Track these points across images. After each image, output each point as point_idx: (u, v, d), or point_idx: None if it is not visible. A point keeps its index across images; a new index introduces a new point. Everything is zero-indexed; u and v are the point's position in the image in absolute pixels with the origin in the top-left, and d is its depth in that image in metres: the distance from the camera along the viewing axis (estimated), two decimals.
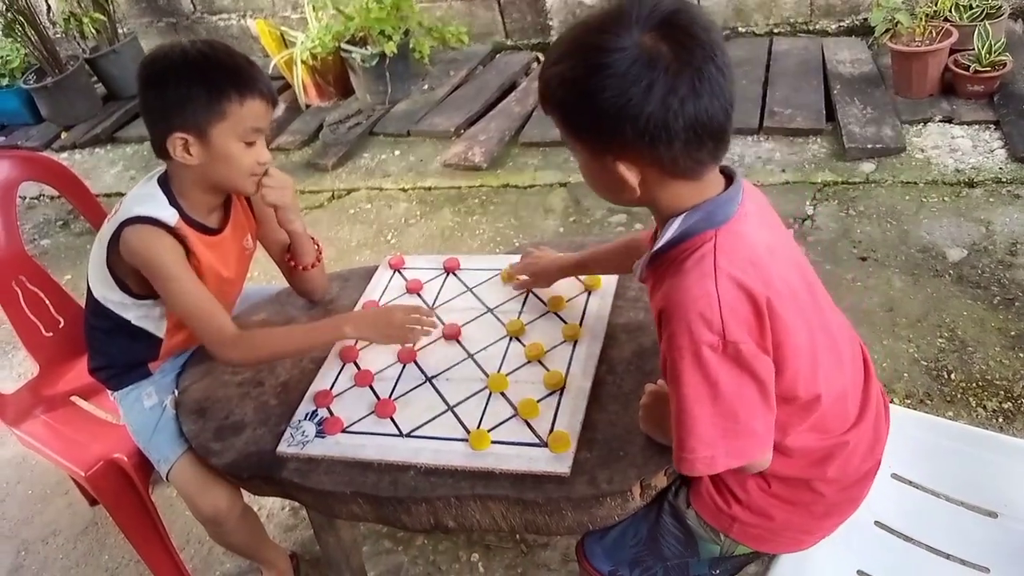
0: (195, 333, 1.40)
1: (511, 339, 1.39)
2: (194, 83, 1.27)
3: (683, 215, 0.94)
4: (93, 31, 4.21)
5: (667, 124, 0.85)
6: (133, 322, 1.46)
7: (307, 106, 3.91)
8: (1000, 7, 2.98)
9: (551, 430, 1.19)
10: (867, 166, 2.73)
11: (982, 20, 2.91)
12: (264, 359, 1.44)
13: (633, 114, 0.85)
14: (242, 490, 1.45)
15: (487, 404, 1.27)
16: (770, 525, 1.08)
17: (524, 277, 1.48)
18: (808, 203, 2.62)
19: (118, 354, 1.53)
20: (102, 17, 4.20)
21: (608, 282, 1.45)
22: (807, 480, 1.06)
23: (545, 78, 0.92)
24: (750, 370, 0.91)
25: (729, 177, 0.97)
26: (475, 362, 1.36)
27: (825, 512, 1.10)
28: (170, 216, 1.36)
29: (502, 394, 1.28)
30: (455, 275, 1.59)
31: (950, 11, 2.99)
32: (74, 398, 1.81)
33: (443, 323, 1.46)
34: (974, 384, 1.92)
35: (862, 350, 1.15)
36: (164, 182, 1.39)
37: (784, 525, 1.09)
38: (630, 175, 0.91)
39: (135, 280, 1.40)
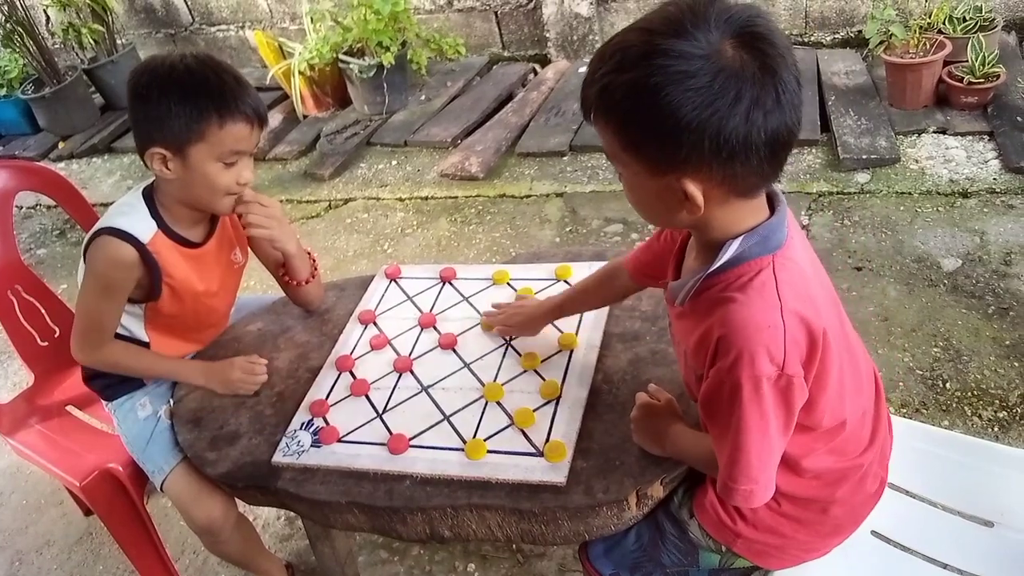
0: (74, 328, 1.44)
1: (507, 348, 1.39)
2: (175, 100, 1.25)
3: (740, 239, 0.89)
4: (91, 42, 4.23)
5: (749, 139, 0.79)
6: (117, 331, 1.46)
7: (304, 116, 3.92)
8: (994, 19, 3.01)
9: (547, 440, 1.19)
10: (862, 176, 2.75)
11: (976, 32, 2.93)
12: (107, 364, 1.48)
13: (715, 128, 0.78)
14: (237, 500, 1.44)
15: (483, 414, 1.27)
16: (775, 542, 1.08)
17: (504, 327, 1.41)
18: (803, 213, 2.63)
19: None
20: (100, 28, 4.22)
21: None
22: (818, 500, 1.06)
23: (604, 87, 0.82)
24: (791, 405, 0.89)
25: (770, 196, 0.93)
26: (471, 371, 1.36)
27: (831, 531, 1.10)
28: (147, 229, 1.36)
29: (498, 404, 1.28)
30: (451, 285, 1.59)
31: (944, 23, 3.01)
32: (69, 408, 1.81)
33: (439, 332, 1.46)
34: (969, 393, 1.92)
35: (874, 370, 1.13)
36: (149, 194, 1.40)
37: (789, 543, 1.08)
38: (697, 193, 0.84)
39: None
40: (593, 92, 0.84)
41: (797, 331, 0.87)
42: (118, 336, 1.46)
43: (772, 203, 0.93)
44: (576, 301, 1.37)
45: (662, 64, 0.78)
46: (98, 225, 1.37)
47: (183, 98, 1.25)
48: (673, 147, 0.81)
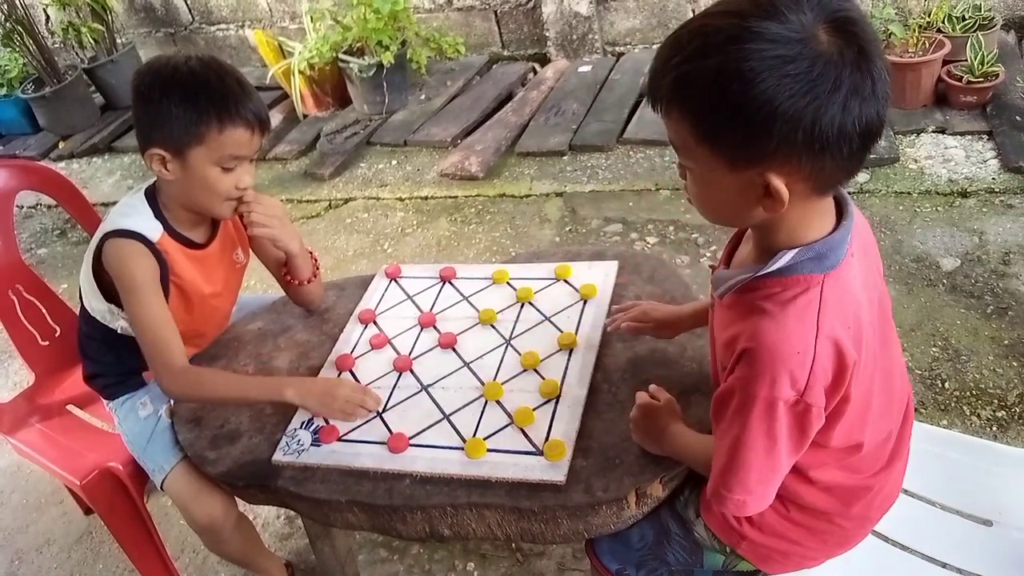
0: (145, 355, 1.36)
1: (507, 348, 1.39)
2: (176, 102, 1.25)
3: (796, 250, 0.84)
4: (91, 41, 4.23)
5: (844, 129, 0.75)
6: (119, 332, 1.46)
7: (304, 116, 3.92)
8: (993, 18, 3.01)
9: (547, 438, 1.19)
10: (861, 176, 2.75)
11: (975, 31, 2.93)
12: (203, 400, 1.40)
13: (812, 118, 0.73)
14: (237, 499, 1.45)
15: (483, 413, 1.27)
16: (780, 547, 1.07)
17: (634, 324, 1.30)
18: None
19: (112, 363, 1.53)
20: (100, 27, 4.22)
21: (603, 291, 1.46)
22: (829, 513, 1.04)
23: (683, 75, 0.77)
24: (806, 430, 0.88)
25: (839, 204, 0.89)
26: (471, 371, 1.36)
27: (838, 542, 1.09)
28: (153, 229, 1.36)
29: (498, 403, 1.28)
30: (451, 284, 1.59)
31: (943, 22, 3.01)
32: (70, 407, 1.81)
33: (439, 332, 1.47)
34: (968, 393, 1.92)
35: (908, 393, 1.09)
36: (151, 194, 1.39)
37: (794, 549, 1.08)
38: (782, 188, 0.78)
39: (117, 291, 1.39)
40: (667, 81, 0.78)
41: (827, 360, 0.84)
42: (122, 339, 1.46)
43: (840, 211, 0.89)
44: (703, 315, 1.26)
45: (756, 48, 0.72)
46: (103, 230, 1.36)
47: (184, 100, 1.25)
48: (762, 139, 0.75)
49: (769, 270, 0.85)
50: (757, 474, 0.90)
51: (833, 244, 0.86)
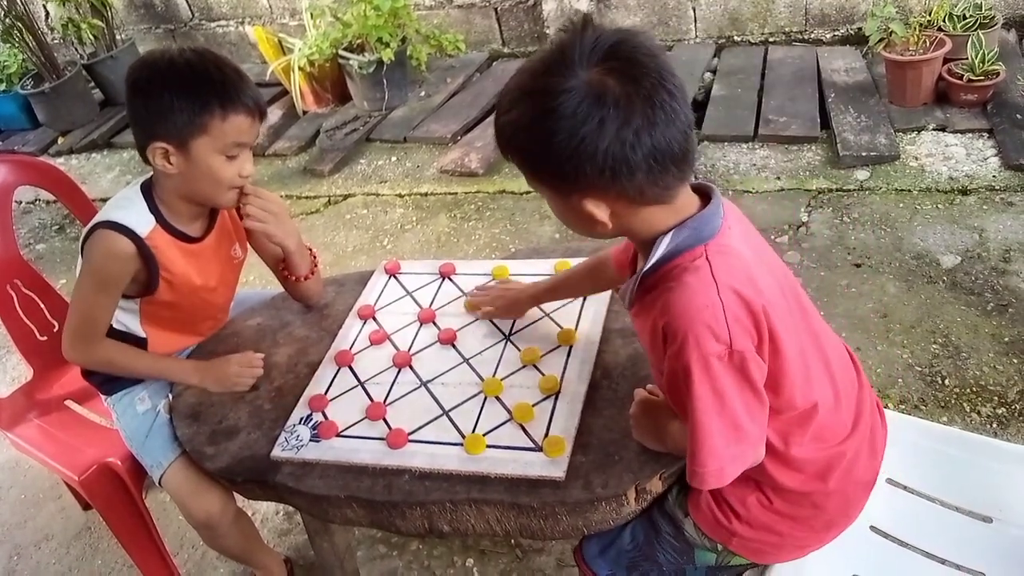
0: (66, 324, 1.43)
1: (506, 344, 1.39)
2: (177, 94, 1.25)
3: (670, 234, 0.93)
4: (91, 37, 4.22)
5: (626, 158, 0.84)
6: (114, 326, 1.45)
7: (304, 112, 3.92)
8: (993, 17, 3.01)
9: (546, 434, 1.19)
10: (861, 173, 2.75)
11: (975, 30, 2.93)
12: (99, 362, 1.47)
13: (590, 153, 0.84)
14: (236, 494, 1.44)
15: (482, 408, 1.27)
16: (770, 539, 1.08)
17: (489, 308, 1.44)
18: (803, 210, 2.63)
19: None
20: (100, 23, 4.21)
21: None
22: (808, 494, 1.06)
23: (499, 126, 0.91)
24: (750, 378, 0.91)
25: (705, 194, 0.97)
26: (470, 366, 1.36)
27: (825, 525, 1.10)
28: (145, 223, 1.36)
29: (497, 398, 1.28)
30: (451, 280, 1.59)
31: (944, 21, 3.01)
32: (68, 402, 1.81)
33: (439, 328, 1.46)
34: (968, 390, 1.92)
35: (852, 358, 1.14)
36: (148, 188, 1.39)
37: (785, 540, 1.09)
38: (599, 211, 0.90)
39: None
40: (496, 132, 0.92)
41: (736, 307, 0.89)
42: (114, 332, 1.46)
43: (707, 195, 0.96)
44: (562, 288, 1.40)
45: (532, 102, 0.86)
46: (96, 219, 1.36)
47: (185, 91, 1.25)
48: (562, 173, 0.87)
49: (653, 261, 0.93)
50: (721, 438, 0.92)
51: (705, 218, 0.93)
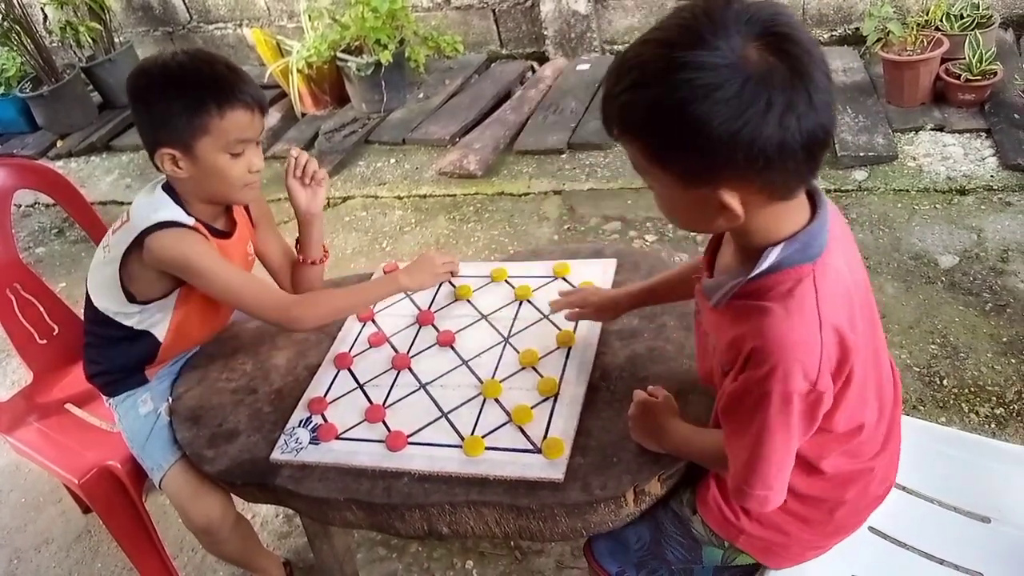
0: (253, 312, 1.40)
1: (505, 346, 1.39)
2: (173, 98, 1.26)
3: (780, 246, 0.86)
4: (89, 40, 4.23)
5: (785, 145, 0.76)
6: (135, 327, 1.45)
7: (303, 115, 3.92)
8: (991, 16, 3.01)
9: (545, 436, 1.19)
10: (859, 174, 2.75)
11: (973, 29, 2.93)
12: (326, 316, 1.43)
13: (749, 139, 0.75)
14: (235, 497, 1.44)
15: (481, 410, 1.27)
16: (779, 539, 1.08)
17: (579, 310, 1.35)
18: None
19: (116, 359, 1.52)
20: (98, 26, 4.21)
21: (603, 288, 1.45)
22: (825, 500, 1.05)
23: (625, 104, 0.80)
24: (815, 416, 0.89)
25: (810, 194, 0.90)
26: (469, 369, 1.36)
27: (834, 531, 1.10)
28: (187, 219, 1.36)
29: (496, 400, 1.28)
30: (450, 282, 1.59)
31: (941, 20, 3.01)
32: (68, 406, 1.81)
33: (438, 330, 1.47)
34: (966, 390, 1.92)
35: (893, 371, 1.11)
36: (170, 190, 1.39)
37: (793, 541, 1.08)
38: (735, 203, 0.81)
39: (144, 286, 1.39)
40: (614, 110, 0.81)
41: (832, 349, 0.86)
42: (132, 332, 1.45)
43: (813, 201, 0.90)
44: (662, 290, 1.29)
45: (685, 78, 0.74)
46: (134, 231, 1.33)
47: (180, 95, 1.26)
48: (706, 161, 0.78)
49: (760, 270, 0.87)
50: (777, 468, 0.91)
51: (814, 233, 0.87)
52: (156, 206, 1.37)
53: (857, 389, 0.93)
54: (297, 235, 1.57)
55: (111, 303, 1.43)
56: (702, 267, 1.03)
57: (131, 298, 1.41)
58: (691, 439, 1.08)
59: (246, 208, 1.52)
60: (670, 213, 0.90)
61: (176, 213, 1.35)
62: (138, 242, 1.33)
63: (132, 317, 1.44)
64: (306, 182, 1.51)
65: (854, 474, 1.05)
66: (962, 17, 3.01)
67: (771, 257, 0.86)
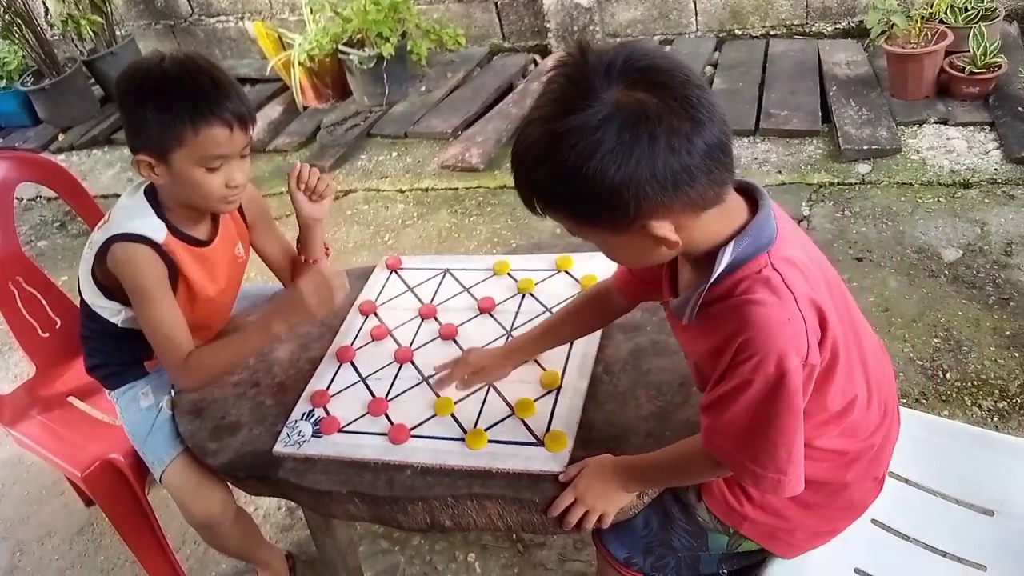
0: (157, 355, 1.40)
1: (508, 338, 1.39)
2: (151, 107, 1.23)
3: (730, 244, 0.89)
4: (91, 33, 4.21)
5: (685, 166, 0.80)
6: (120, 325, 1.45)
7: (304, 108, 3.91)
8: (995, 9, 2.99)
9: (547, 429, 1.19)
10: (863, 167, 2.74)
11: (977, 22, 2.91)
12: (215, 376, 1.41)
13: (649, 174, 0.79)
14: (238, 489, 1.45)
15: (483, 403, 1.27)
16: (783, 525, 1.09)
17: (466, 380, 1.31)
18: (804, 204, 2.62)
19: (113, 353, 1.53)
20: (100, 19, 4.20)
21: None
22: (827, 483, 1.06)
23: (530, 188, 0.86)
24: (807, 391, 0.90)
25: (747, 192, 0.93)
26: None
27: (837, 516, 1.10)
28: (158, 230, 1.34)
29: (499, 393, 1.28)
30: (452, 275, 1.59)
31: (945, 13, 3.00)
32: (71, 399, 1.81)
33: (440, 323, 1.46)
34: (969, 383, 1.92)
35: (880, 346, 1.13)
36: (152, 192, 1.38)
37: (796, 526, 1.09)
38: (665, 230, 0.85)
39: (113, 282, 1.38)
40: (526, 192, 0.87)
41: (812, 318, 0.88)
42: (130, 332, 1.45)
43: (754, 197, 0.93)
44: (557, 331, 1.30)
45: (569, 145, 0.79)
46: (107, 232, 1.34)
47: (156, 105, 1.23)
48: (621, 207, 0.82)
49: (718, 273, 0.89)
50: (786, 450, 0.92)
51: (760, 224, 0.90)
52: (132, 213, 1.35)
53: (844, 362, 0.95)
54: (298, 233, 1.56)
55: (95, 298, 1.44)
56: (664, 291, 1.05)
57: (113, 297, 1.41)
58: (653, 458, 1.09)
59: (240, 208, 1.50)
60: (616, 259, 0.96)
61: (149, 225, 1.34)
62: (106, 247, 1.33)
63: (117, 315, 1.44)
64: (313, 198, 1.50)
65: (855, 453, 1.05)
66: (966, 10, 2.99)
67: (726, 256, 0.89)
